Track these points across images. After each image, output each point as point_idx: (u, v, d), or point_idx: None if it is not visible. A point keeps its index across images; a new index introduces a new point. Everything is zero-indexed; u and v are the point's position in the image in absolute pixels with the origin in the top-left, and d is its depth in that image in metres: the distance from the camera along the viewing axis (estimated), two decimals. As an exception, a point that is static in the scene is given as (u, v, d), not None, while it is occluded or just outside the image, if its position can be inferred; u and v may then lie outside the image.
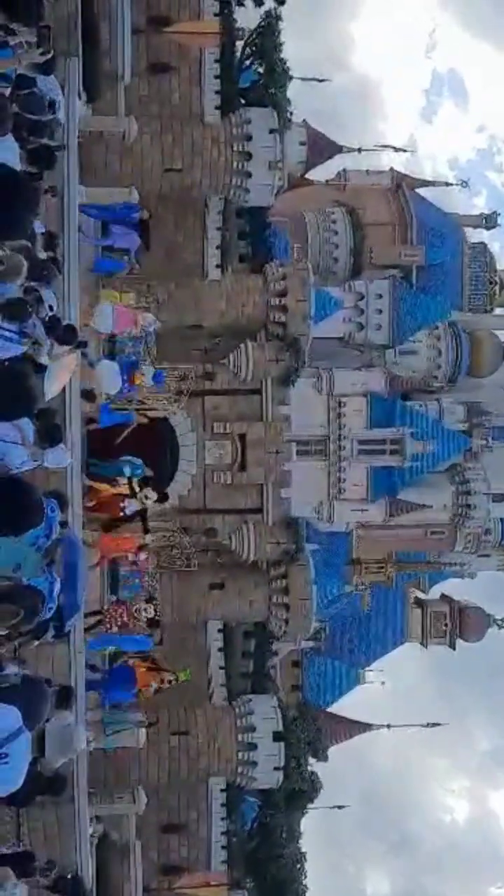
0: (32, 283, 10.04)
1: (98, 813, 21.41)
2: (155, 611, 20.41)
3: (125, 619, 20.05)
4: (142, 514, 20.76)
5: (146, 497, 20.82)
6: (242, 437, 29.21)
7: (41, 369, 11.11)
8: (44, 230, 12.44)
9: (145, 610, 20.23)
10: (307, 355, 29.81)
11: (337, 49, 79.33)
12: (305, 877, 30.53)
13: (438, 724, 35.39)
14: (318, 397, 30.02)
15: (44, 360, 11.29)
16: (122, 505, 20.26)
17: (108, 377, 19.15)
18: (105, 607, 20.19)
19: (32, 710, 8.14)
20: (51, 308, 11.18)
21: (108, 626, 20.02)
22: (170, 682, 21.94)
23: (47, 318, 10.78)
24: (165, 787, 27.14)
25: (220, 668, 29.64)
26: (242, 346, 29.11)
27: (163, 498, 21.66)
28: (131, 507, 20.65)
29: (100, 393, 19.36)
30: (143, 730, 21.13)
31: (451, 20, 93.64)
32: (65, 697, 10.74)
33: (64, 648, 17.02)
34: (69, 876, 8.52)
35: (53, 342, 12.01)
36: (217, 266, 29.87)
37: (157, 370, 22.75)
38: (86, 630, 18.90)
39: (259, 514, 29.27)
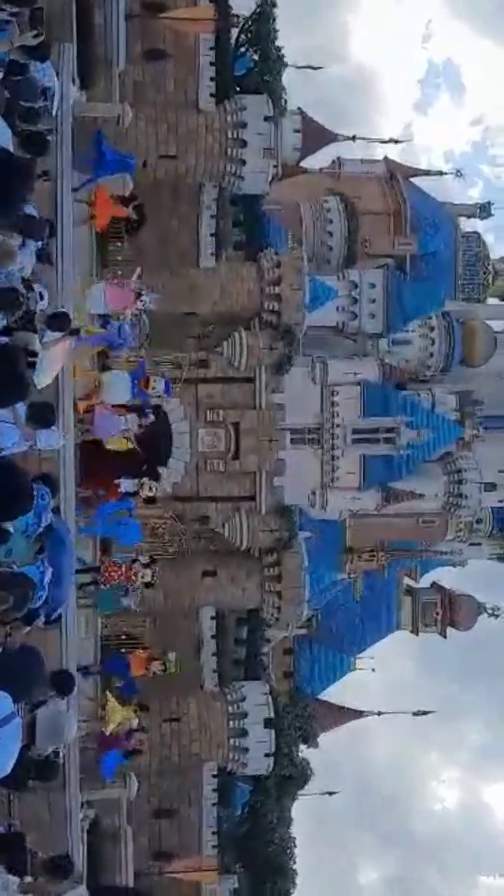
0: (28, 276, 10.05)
1: (89, 798, 21.48)
2: (153, 575, 20.46)
3: (122, 579, 20.11)
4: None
5: (149, 489, 21.03)
6: (236, 425, 29.27)
7: (34, 357, 11.13)
8: (35, 214, 12.41)
9: (143, 575, 20.29)
10: (301, 344, 29.85)
11: (333, 40, 79.02)
12: (295, 862, 30.76)
13: (428, 713, 35.54)
14: (312, 386, 30.08)
15: (37, 347, 11.33)
16: (117, 482, 20.39)
17: (116, 388, 19.09)
18: (101, 563, 20.22)
19: (25, 677, 8.17)
20: (41, 296, 11.20)
21: (105, 584, 20.08)
22: (155, 673, 22.07)
23: (38, 307, 10.80)
24: (157, 773, 27.29)
25: (213, 654, 29.76)
26: (236, 334, 29.13)
27: (154, 476, 21.77)
28: (127, 484, 20.77)
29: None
30: (136, 719, 21.26)
31: (447, 11, 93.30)
32: (63, 683, 10.75)
33: (56, 635, 17.05)
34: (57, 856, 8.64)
35: (45, 329, 12.04)
36: (211, 254, 29.86)
37: (167, 380, 23.02)
38: (80, 587, 18.93)
39: (252, 502, 29.35)
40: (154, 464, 24.78)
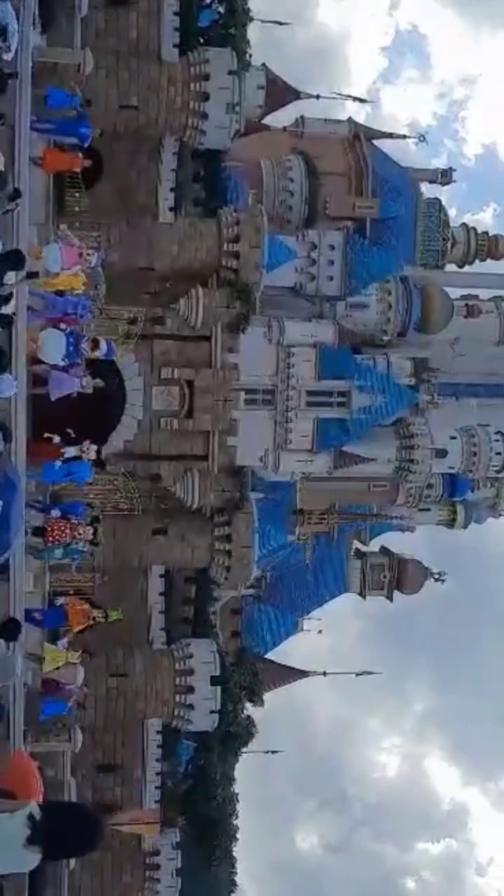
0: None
1: (34, 750, 21.45)
2: (95, 532, 20.40)
3: (67, 537, 20.00)
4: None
5: (87, 450, 20.84)
6: (190, 383, 29.11)
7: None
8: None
9: (88, 531, 20.21)
10: (258, 303, 29.70)
11: (301, 3, 77.91)
12: (236, 817, 31.13)
13: (372, 673, 36.02)
14: (268, 346, 29.97)
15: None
16: (61, 451, 20.25)
17: (52, 346, 18.84)
18: (47, 524, 20.09)
19: None
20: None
21: (50, 542, 19.95)
22: (96, 618, 21.96)
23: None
24: (102, 728, 27.36)
25: (161, 612, 29.82)
26: (193, 291, 28.88)
27: (99, 463, 21.55)
28: (69, 452, 20.64)
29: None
30: (81, 668, 21.21)
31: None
32: (11, 630, 10.75)
33: (4, 587, 16.91)
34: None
35: (4, 272, 11.82)
36: (170, 209, 29.52)
37: (112, 346, 22.69)
38: (27, 532, 18.77)
39: (205, 462, 29.29)
40: (100, 425, 24.49)
